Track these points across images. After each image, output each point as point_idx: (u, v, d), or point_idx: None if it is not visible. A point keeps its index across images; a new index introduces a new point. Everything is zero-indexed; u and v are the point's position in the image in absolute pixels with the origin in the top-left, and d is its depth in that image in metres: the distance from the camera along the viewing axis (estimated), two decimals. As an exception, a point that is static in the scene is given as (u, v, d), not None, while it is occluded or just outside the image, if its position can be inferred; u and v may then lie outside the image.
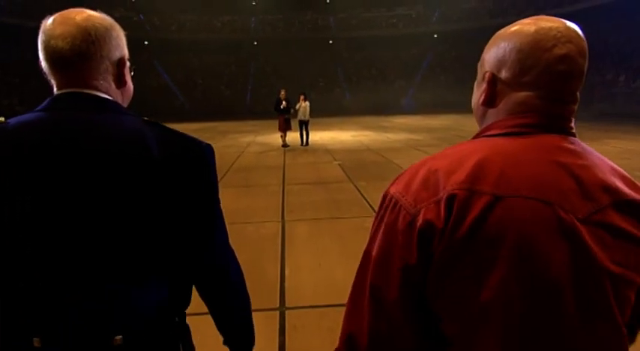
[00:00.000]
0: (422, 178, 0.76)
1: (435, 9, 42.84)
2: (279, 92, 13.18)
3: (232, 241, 1.17)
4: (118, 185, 0.87)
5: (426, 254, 0.72)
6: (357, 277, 0.82)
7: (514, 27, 0.80)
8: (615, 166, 0.79)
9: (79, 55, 0.90)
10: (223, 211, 1.07)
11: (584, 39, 0.78)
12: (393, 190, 0.79)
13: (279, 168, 9.53)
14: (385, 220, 0.78)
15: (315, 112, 13.95)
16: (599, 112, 22.22)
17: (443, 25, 41.60)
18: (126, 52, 1.00)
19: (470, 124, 20.49)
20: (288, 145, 13.39)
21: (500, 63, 0.81)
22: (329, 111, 31.00)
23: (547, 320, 0.69)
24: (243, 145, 14.39)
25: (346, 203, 6.19)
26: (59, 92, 0.94)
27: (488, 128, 0.83)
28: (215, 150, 1.09)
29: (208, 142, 1.04)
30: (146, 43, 40.00)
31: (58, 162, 0.85)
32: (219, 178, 6.07)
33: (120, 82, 1.00)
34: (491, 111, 0.84)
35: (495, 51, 0.82)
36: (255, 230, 5.16)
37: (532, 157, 0.74)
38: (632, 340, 0.84)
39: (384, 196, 0.81)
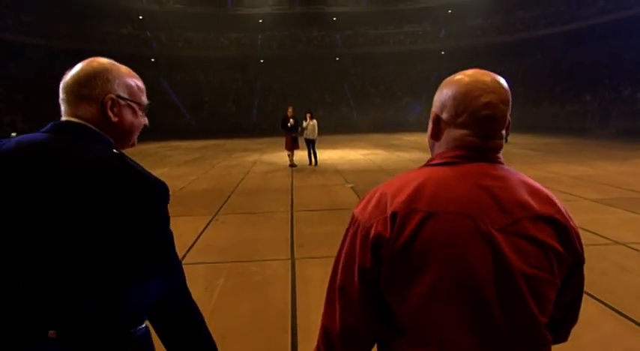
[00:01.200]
0: (375, 201, 0.97)
1: (442, 26, 42.52)
2: (287, 109, 12.54)
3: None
4: (76, 201, 1.01)
5: (377, 258, 0.92)
6: (329, 281, 1.02)
7: (455, 77, 1.02)
8: (535, 187, 0.97)
9: (71, 92, 1.14)
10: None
11: (507, 89, 0.98)
12: (355, 211, 1.01)
13: (286, 191, 8.80)
14: (349, 234, 0.99)
15: (322, 129, 13.27)
16: (616, 129, 21.40)
17: (450, 42, 41.20)
18: (113, 94, 1.14)
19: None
20: (296, 165, 12.70)
21: (442, 106, 1.02)
22: (336, 128, 30.44)
23: (474, 307, 0.87)
24: (248, 165, 13.70)
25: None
26: (59, 120, 1.15)
27: (432, 159, 1.05)
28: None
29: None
30: (153, 60, 39.86)
31: (40, 174, 1.02)
32: (223, 202, 5.18)
33: (104, 117, 1.14)
34: (437, 143, 1.06)
35: (439, 96, 1.04)
36: (260, 271, 4.40)
37: (460, 182, 0.93)
38: (564, 336, 1.07)
39: (352, 216, 1.01)
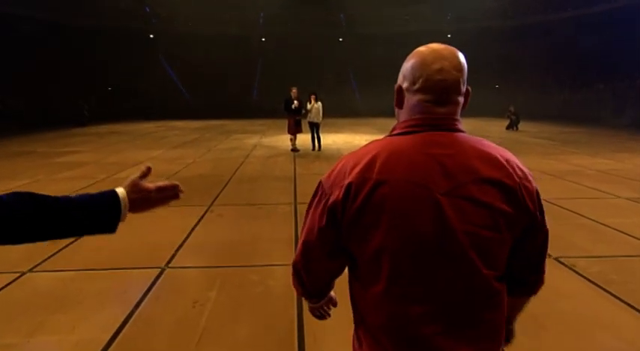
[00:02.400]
0: (337, 171, 1.10)
1: (449, 8, 41.20)
2: (290, 90, 11.75)
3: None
4: None
5: (334, 221, 1.07)
6: (301, 231, 1.20)
7: (417, 49, 1.12)
8: (486, 153, 1.05)
9: None
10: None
11: (460, 59, 1.08)
12: (322, 178, 1.15)
13: (289, 179, 8.09)
14: (316, 197, 1.14)
15: (324, 112, 12.41)
16: (631, 119, 20.61)
17: (457, 24, 39.98)
18: None
19: (492, 129, 19.00)
20: (299, 150, 11.97)
21: (403, 77, 1.14)
22: (339, 111, 29.59)
23: (417, 261, 1.01)
24: (248, 148, 12.96)
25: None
26: None
27: (394, 128, 1.16)
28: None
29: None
30: (152, 36, 38.66)
31: None
32: (219, 190, 4.34)
33: None
34: (400, 111, 1.17)
35: (402, 68, 1.16)
36: (261, 280, 3.73)
37: (411, 151, 1.04)
38: (530, 289, 1.20)
39: (319, 182, 1.16)
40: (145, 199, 1.12)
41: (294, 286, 1.30)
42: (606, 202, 6.16)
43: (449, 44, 1.12)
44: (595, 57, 28.23)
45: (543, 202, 1.09)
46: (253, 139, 15.70)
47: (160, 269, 3.91)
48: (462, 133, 1.08)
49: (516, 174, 1.03)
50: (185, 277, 3.80)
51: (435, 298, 1.01)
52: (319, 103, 12.02)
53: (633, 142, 13.87)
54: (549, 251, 4.20)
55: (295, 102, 11.61)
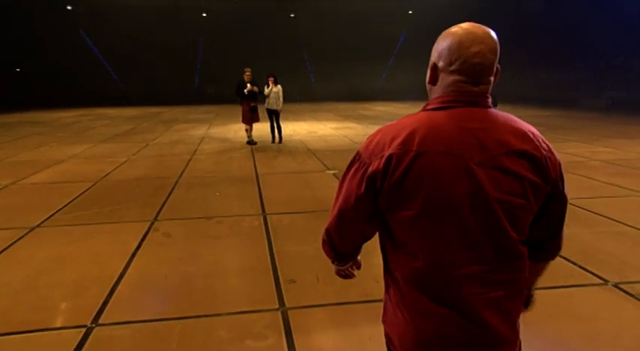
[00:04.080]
0: (376, 143, 1.25)
1: (411, -18, 40.99)
2: (243, 73, 10.72)
3: None
4: None
5: (373, 189, 1.23)
6: (334, 200, 1.36)
7: (451, 30, 1.25)
8: (516, 127, 1.22)
9: None
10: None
11: (496, 40, 1.22)
12: (360, 149, 1.30)
13: (250, 181, 7.16)
14: (353, 167, 1.30)
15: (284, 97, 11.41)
16: (611, 101, 21.02)
17: (419, 2, 39.86)
18: None
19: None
20: (256, 142, 11.05)
21: (439, 56, 1.27)
22: (293, 95, 28.65)
23: (453, 228, 1.18)
24: (194, 141, 11.83)
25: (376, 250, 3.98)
26: None
27: (428, 103, 1.30)
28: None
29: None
30: (69, 8, 35.90)
31: None
32: (164, 198, 3.18)
33: None
34: (434, 88, 1.31)
35: (437, 46, 1.28)
36: (236, 341, 2.85)
37: (448, 125, 1.19)
38: (550, 254, 1.37)
39: (356, 152, 1.32)
40: None
41: (325, 251, 1.50)
42: (635, 202, 5.69)
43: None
44: (572, 34, 28.71)
45: None
46: (200, 130, 14.52)
47: (84, 329, 2.94)
48: (493, 110, 1.25)
49: (542, 147, 1.22)
50: (123, 342, 2.86)
51: (468, 260, 1.19)
52: (279, 86, 11.07)
53: (625, 126, 13.89)
54: (605, 276, 3.41)
55: (248, 85, 10.60)
